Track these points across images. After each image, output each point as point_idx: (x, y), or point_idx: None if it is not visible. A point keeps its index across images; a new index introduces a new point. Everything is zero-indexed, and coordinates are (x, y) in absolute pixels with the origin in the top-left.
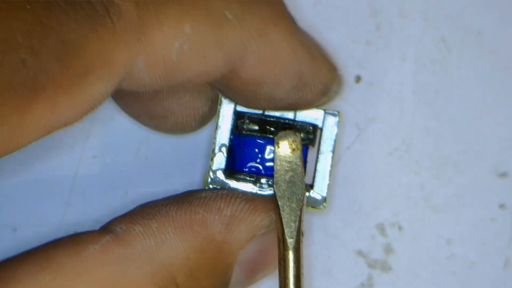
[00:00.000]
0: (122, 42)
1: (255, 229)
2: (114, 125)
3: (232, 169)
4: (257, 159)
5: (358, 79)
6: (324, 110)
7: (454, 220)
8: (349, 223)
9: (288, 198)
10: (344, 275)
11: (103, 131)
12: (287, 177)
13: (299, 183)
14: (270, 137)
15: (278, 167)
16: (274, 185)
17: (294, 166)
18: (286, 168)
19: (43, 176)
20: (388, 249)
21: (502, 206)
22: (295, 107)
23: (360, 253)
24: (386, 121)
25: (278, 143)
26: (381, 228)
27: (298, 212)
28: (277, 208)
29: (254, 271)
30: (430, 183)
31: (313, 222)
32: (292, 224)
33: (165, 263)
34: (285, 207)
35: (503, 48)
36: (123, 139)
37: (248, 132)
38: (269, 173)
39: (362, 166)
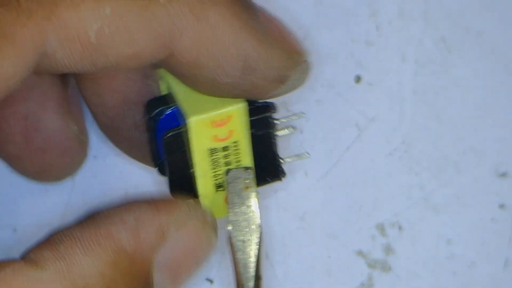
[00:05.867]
0: (28, 21)
1: (163, 230)
2: None
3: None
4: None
5: (358, 79)
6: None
7: (454, 220)
8: (349, 223)
9: (243, 242)
10: (344, 275)
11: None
12: (241, 219)
13: (254, 226)
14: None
15: (231, 209)
16: (229, 228)
17: (249, 207)
18: (240, 209)
19: None
20: (388, 249)
21: (502, 206)
22: (251, 95)
23: (360, 253)
24: (386, 121)
25: (229, 183)
26: (381, 228)
27: (255, 258)
28: (232, 253)
29: (177, 273)
30: (430, 183)
31: (313, 222)
32: (249, 270)
33: (79, 283)
34: (240, 251)
35: (503, 48)
36: None
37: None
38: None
39: (362, 166)
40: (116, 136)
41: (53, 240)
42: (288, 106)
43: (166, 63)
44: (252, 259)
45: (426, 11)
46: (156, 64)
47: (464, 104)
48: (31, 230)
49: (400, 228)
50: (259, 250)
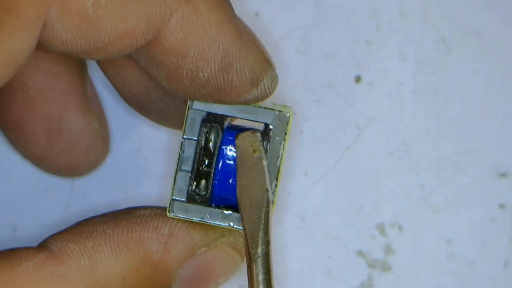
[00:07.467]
0: None
1: (194, 248)
2: (114, 126)
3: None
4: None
5: (358, 79)
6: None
7: (454, 220)
8: (349, 223)
9: (251, 206)
10: (344, 275)
11: None
12: (248, 183)
13: (261, 189)
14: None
15: (240, 172)
16: (237, 192)
17: (256, 170)
18: (248, 172)
19: (43, 176)
20: (388, 249)
21: (502, 206)
22: (223, 97)
23: (360, 253)
24: (386, 121)
25: (238, 146)
26: (381, 228)
27: (263, 221)
28: (241, 218)
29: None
30: (430, 183)
31: (313, 222)
32: (256, 233)
33: (99, 283)
34: (248, 215)
35: (503, 48)
36: (123, 139)
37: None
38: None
39: (362, 166)
40: (144, 109)
41: (82, 231)
42: None
43: (151, 48)
44: (259, 224)
45: (426, 11)
46: (142, 49)
47: (464, 104)
48: (31, 230)
49: (400, 228)
50: (267, 214)
